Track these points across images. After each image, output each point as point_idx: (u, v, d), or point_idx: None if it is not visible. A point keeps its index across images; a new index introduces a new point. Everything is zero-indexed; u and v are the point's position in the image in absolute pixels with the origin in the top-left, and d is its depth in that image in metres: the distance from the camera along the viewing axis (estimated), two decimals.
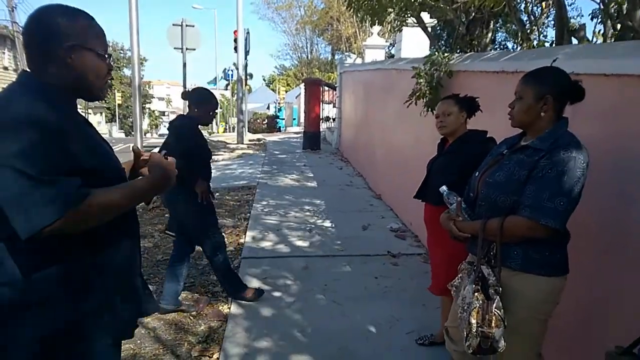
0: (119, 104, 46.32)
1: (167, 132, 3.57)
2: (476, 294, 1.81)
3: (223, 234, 3.65)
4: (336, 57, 20.32)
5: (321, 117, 13.55)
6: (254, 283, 4.00)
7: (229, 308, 3.62)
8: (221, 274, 3.62)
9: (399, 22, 6.03)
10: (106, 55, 1.45)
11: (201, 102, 3.34)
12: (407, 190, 3.15)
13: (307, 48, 32.47)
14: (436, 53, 4.30)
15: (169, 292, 3.48)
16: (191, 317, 3.54)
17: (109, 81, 1.52)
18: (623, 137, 2.14)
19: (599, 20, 4.80)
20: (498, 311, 1.76)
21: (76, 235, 1.33)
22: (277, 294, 3.83)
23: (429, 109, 4.22)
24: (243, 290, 3.65)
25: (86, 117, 1.62)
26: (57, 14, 1.37)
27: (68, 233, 1.28)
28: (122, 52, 48.58)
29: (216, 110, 3.42)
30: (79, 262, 1.38)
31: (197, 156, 3.29)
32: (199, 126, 3.43)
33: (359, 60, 12.38)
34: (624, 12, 3.51)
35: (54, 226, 1.22)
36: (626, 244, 2.07)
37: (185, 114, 3.34)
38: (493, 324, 1.75)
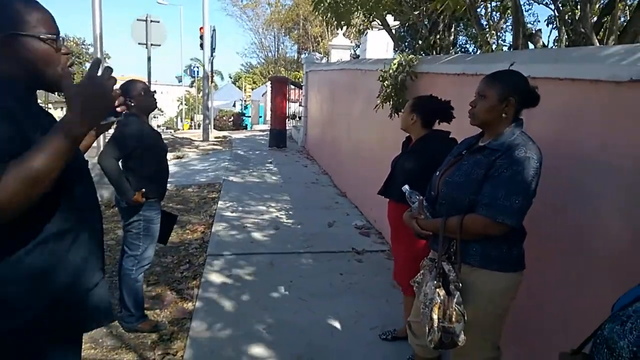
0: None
1: None
2: (437, 289, 1.88)
3: (152, 256, 3.33)
4: (302, 56, 20.31)
5: (287, 115, 13.55)
6: (220, 279, 4.01)
7: (194, 305, 3.61)
8: (127, 292, 3.23)
9: (364, 25, 6.11)
10: (54, 37, 1.35)
11: (128, 93, 3.09)
12: (372, 188, 3.22)
13: (273, 47, 32.32)
14: (400, 55, 4.39)
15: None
16: (155, 315, 3.52)
17: (69, 68, 1.42)
18: (575, 138, 2.25)
19: (554, 26, 5.00)
20: (458, 306, 1.83)
21: (25, 228, 1.28)
22: (242, 290, 3.84)
23: (396, 111, 4.31)
24: (142, 319, 3.30)
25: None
26: None
27: (12, 218, 1.17)
28: (84, 47, 47.24)
29: (145, 90, 3.13)
30: (29, 257, 1.32)
31: (147, 149, 3.12)
32: (148, 115, 3.27)
33: (325, 60, 12.44)
34: (577, 19, 3.67)
35: None
36: (579, 240, 2.18)
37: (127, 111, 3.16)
38: (454, 319, 1.82)
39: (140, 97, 3.11)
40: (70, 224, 1.42)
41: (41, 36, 1.32)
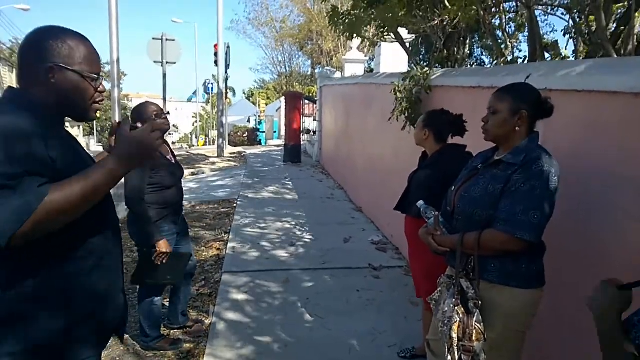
0: (97, 117, 45.78)
1: None
2: (456, 307, 1.83)
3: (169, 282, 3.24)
4: (316, 70, 20.43)
5: (302, 130, 13.59)
6: (236, 296, 3.99)
7: (210, 322, 3.59)
8: (143, 314, 3.24)
9: (378, 37, 6.13)
10: (95, 77, 1.45)
11: (140, 116, 3.07)
12: (388, 203, 3.19)
13: (286, 62, 32.51)
14: (414, 69, 4.38)
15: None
16: (172, 332, 3.51)
17: (98, 103, 1.51)
18: (593, 150, 2.21)
19: (571, 36, 4.95)
20: (478, 325, 1.79)
21: (53, 248, 1.33)
22: (258, 307, 3.81)
23: (411, 125, 4.29)
24: (159, 339, 3.29)
25: None
26: (45, 34, 1.39)
27: (45, 235, 1.26)
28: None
29: (156, 113, 3.07)
30: (55, 277, 1.37)
31: (157, 177, 3.05)
32: (162, 137, 3.21)
33: (338, 75, 12.47)
34: (593, 31, 3.62)
35: (24, 230, 1.20)
36: (599, 254, 2.13)
37: None
38: (474, 338, 1.78)
39: (154, 117, 3.07)
40: (93, 245, 1.45)
41: (83, 73, 1.42)
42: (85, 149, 1.65)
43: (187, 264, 3.30)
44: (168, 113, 3.24)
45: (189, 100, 45.52)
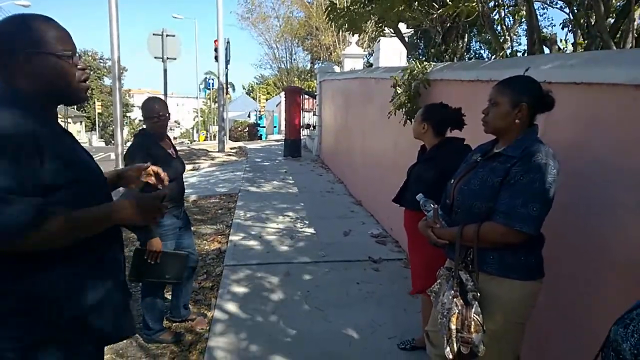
0: (99, 113, 45.81)
1: None
2: (455, 299, 1.85)
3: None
4: (316, 65, 20.38)
5: (301, 124, 13.60)
6: (237, 289, 4.02)
7: (212, 315, 3.62)
8: (146, 307, 3.27)
9: (377, 32, 6.13)
10: (72, 55, 1.41)
11: (144, 114, 3.13)
12: (387, 196, 3.21)
13: (286, 57, 32.30)
14: (414, 63, 4.38)
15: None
16: (174, 325, 3.54)
17: (86, 82, 1.48)
18: (593, 143, 2.21)
19: (570, 29, 4.95)
20: (477, 316, 1.80)
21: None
22: (259, 300, 3.84)
23: (409, 118, 4.30)
24: (162, 331, 3.33)
25: (66, 126, 1.61)
26: (7, 24, 1.35)
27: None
28: (102, 61, 48.19)
29: (160, 113, 3.10)
30: (53, 273, 1.36)
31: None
32: (162, 135, 3.23)
33: (338, 69, 12.47)
34: (592, 24, 3.63)
35: (17, 246, 1.23)
36: (599, 248, 2.14)
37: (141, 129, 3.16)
38: (472, 329, 1.79)
39: (152, 122, 3.13)
40: (93, 242, 1.43)
41: (58, 53, 1.37)
42: (88, 144, 1.65)
43: (185, 263, 3.24)
44: (169, 114, 3.23)
45: (197, 97, 45.61)
